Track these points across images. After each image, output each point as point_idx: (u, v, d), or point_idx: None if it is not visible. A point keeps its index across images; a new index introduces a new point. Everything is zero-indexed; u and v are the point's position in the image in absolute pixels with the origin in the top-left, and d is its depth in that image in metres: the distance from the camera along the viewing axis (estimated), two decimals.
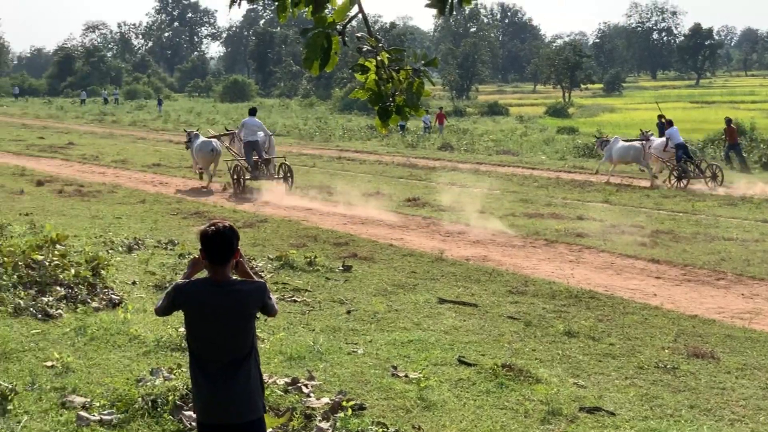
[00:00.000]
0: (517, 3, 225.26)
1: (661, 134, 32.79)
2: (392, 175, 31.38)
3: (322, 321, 11.78)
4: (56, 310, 11.60)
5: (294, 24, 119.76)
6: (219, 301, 5.48)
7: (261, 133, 27.17)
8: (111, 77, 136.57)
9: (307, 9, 4.89)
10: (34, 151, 39.69)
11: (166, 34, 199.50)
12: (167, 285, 12.91)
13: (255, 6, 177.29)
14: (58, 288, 12.39)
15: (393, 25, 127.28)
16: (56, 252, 13.51)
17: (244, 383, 5.54)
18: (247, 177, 26.49)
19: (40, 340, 10.47)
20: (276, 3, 4.96)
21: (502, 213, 22.07)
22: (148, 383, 8.67)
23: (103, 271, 13.44)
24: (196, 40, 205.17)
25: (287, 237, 18.30)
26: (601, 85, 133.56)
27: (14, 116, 71.53)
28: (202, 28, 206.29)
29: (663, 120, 34.96)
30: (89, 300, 12.14)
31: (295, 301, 12.86)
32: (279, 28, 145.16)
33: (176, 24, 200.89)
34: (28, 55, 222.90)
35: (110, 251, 15.79)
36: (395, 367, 9.68)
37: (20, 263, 12.91)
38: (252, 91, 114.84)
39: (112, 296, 12.43)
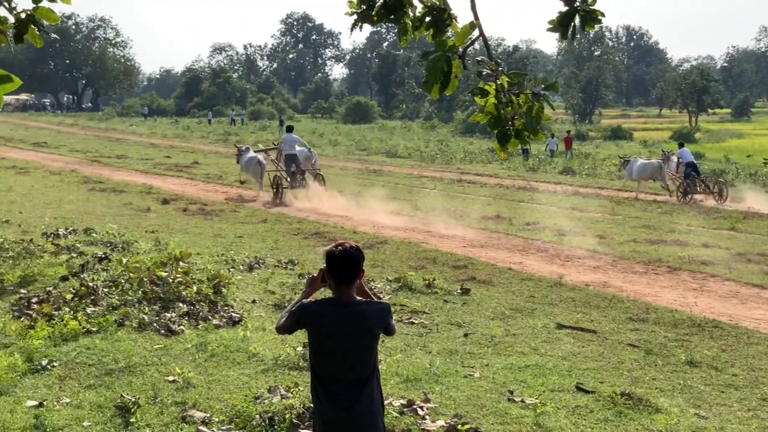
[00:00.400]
0: (643, 26, 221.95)
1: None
2: (512, 199, 31.23)
3: (439, 343, 11.76)
4: (179, 326, 11.84)
5: (417, 46, 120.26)
6: (344, 321, 5.52)
7: (299, 147, 30.98)
8: (236, 98, 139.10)
9: (428, 32, 4.93)
10: (161, 170, 40.63)
11: (291, 56, 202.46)
12: (286, 304, 13.07)
13: (378, 28, 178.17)
14: (181, 304, 12.67)
15: (516, 48, 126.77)
16: (180, 269, 13.84)
17: (368, 403, 5.57)
18: (285, 186, 30.10)
19: (162, 355, 10.70)
20: (398, 26, 5.01)
21: (623, 239, 21.76)
22: (266, 401, 8.79)
23: (224, 289, 13.73)
24: (320, 61, 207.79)
25: (406, 259, 18.35)
26: (729, 110, 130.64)
27: (143, 135, 73.47)
28: (326, 50, 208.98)
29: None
30: (210, 317, 12.36)
31: (412, 323, 12.88)
32: (402, 51, 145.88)
33: (301, 46, 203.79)
34: (158, 76, 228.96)
35: (231, 269, 16.07)
36: (512, 392, 9.61)
37: (145, 279, 13.27)
38: (374, 113, 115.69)
39: (233, 314, 12.64)
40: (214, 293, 13.39)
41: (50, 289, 13.64)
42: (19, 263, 15.49)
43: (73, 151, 52.93)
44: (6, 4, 4.13)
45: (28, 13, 4.22)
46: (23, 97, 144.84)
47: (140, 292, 12.97)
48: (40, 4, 4.22)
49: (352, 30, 5.14)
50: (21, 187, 31.09)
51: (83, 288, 13.10)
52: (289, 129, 31.93)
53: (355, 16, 5.08)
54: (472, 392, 9.62)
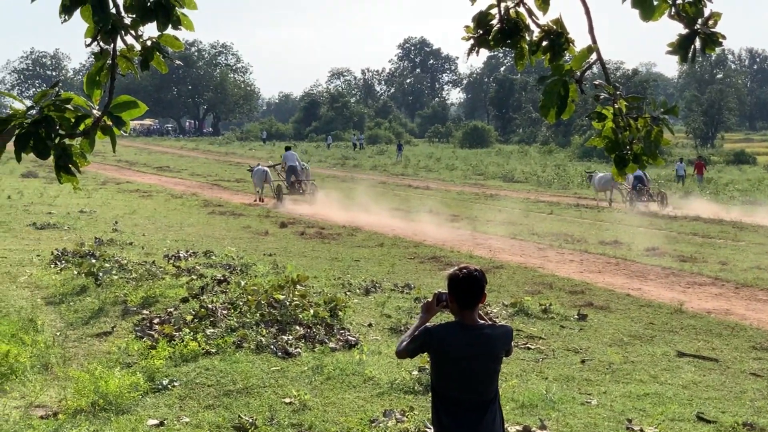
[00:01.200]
0: (767, 49, 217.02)
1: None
2: (631, 224, 30.77)
3: (556, 369, 11.67)
4: (295, 348, 11.99)
5: (534, 70, 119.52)
6: (470, 344, 5.54)
7: (296, 163, 38.73)
8: (354, 122, 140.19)
9: (545, 57, 4.94)
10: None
11: (408, 81, 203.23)
12: (402, 328, 13.16)
13: (495, 53, 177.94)
14: (298, 327, 12.84)
15: (635, 71, 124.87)
16: (297, 292, 14.03)
17: (491, 427, 5.59)
18: (285, 192, 37.27)
19: (279, 377, 10.85)
20: (514, 51, 5.03)
21: (746, 265, 21.24)
22: (381, 424, 8.85)
23: (340, 312, 13.88)
24: (437, 86, 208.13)
25: (522, 284, 18.26)
26: None
27: (261, 159, 74.43)
28: (444, 75, 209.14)
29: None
30: (327, 340, 12.48)
31: (528, 348, 12.81)
32: (519, 75, 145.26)
33: (418, 70, 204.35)
34: (277, 101, 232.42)
35: (348, 293, 16.19)
36: (630, 420, 9.47)
37: (263, 302, 13.50)
38: (491, 138, 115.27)
39: (349, 337, 12.73)
40: (331, 316, 13.54)
41: (171, 310, 13.99)
42: (142, 284, 15.88)
43: (194, 174, 54.06)
44: (133, 32, 4.28)
45: (154, 40, 4.36)
46: (147, 122, 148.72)
47: (258, 314, 13.19)
48: (165, 32, 4.36)
49: (468, 55, 5.17)
50: (144, 210, 31.88)
51: (203, 310, 13.38)
52: (288, 148, 41.28)
53: (471, 41, 5.11)
54: (590, 420, 9.52)
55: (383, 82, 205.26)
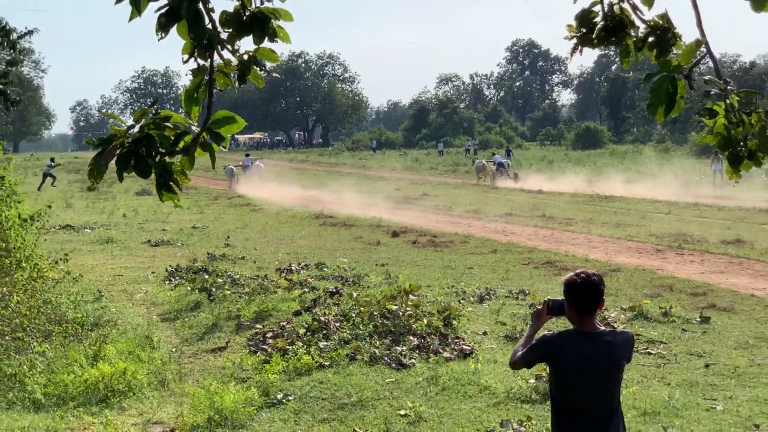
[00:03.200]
0: None
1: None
2: (754, 222, 29.99)
3: (679, 375, 11.41)
4: (409, 359, 11.97)
5: (646, 68, 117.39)
6: (592, 353, 5.44)
7: (249, 163, 58.90)
8: (464, 128, 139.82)
9: (651, 53, 4.81)
10: (390, 203, 41.31)
11: (517, 84, 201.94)
12: (517, 336, 13.05)
13: (606, 51, 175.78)
14: (411, 338, 12.81)
15: (753, 64, 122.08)
16: (409, 302, 14.00)
17: None
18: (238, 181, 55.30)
19: (394, 388, 10.84)
20: (619, 48, 4.91)
21: None
22: None
23: (454, 321, 13.82)
24: (547, 88, 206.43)
25: (641, 287, 17.93)
26: None
27: (371, 169, 74.80)
28: (553, 76, 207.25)
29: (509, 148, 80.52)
30: (441, 350, 12.43)
31: (649, 353, 12.55)
32: (631, 73, 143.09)
33: (527, 73, 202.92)
34: (385, 109, 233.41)
35: (462, 301, 16.12)
36: (758, 426, 9.21)
37: (376, 313, 13.51)
38: (604, 138, 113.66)
39: (464, 346, 12.66)
40: (445, 326, 13.48)
41: (284, 324, 14.10)
42: (254, 299, 16.03)
43: (303, 186, 54.30)
44: (229, 47, 4.30)
45: (251, 54, 4.37)
46: (257, 135, 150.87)
47: (371, 325, 13.21)
48: (262, 45, 4.36)
49: (572, 55, 5.07)
50: (256, 223, 32.23)
51: (315, 323, 13.46)
52: (247, 155, 62.79)
53: (574, 40, 5.01)
54: (715, 426, 9.28)
55: (492, 86, 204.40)
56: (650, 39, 4.80)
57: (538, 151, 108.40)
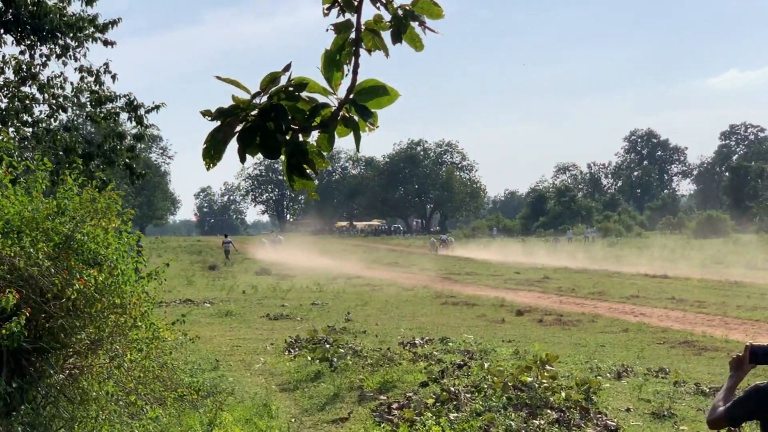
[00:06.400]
0: None
1: None
2: None
3: None
4: None
5: None
6: None
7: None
8: (581, 216, 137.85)
9: None
10: (511, 285, 40.52)
11: (636, 173, 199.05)
12: (665, 414, 11.92)
13: (727, 141, 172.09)
14: (550, 411, 11.68)
15: None
16: (546, 373, 12.89)
17: None
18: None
19: None
20: None
21: None
22: None
23: (594, 396, 12.63)
24: (666, 177, 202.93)
25: None
26: None
27: (493, 254, 73.66)
28: (672, 166, 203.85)
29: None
30: (583, 424, 11.25)
31: None
32: (753, 162, 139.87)
33: (645, 162, 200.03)
34: (502, 198, 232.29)
35: (598, 377, 14.89)
36: None
37: (509, 384, 12.44)
38: (727, 227, 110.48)
39: (608, 422, 11.47)
40: (585, 400, 12.28)
41: (410, 395, 13.16)
42: (378, 370, 15.15)
43: (423, 269, 54.12)
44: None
45: (407, 8, 3.44)
46: (375, 222, 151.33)
47: (504, 397, 12.16)
48: None
49: None
50: (376, 302, 31.51)
51: (444, 393, 12.49)
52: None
53: None
54: None
55: (610, 175, 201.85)
56: None
57: (658, 239, 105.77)
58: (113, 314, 10.37)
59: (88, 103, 19.07)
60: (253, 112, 3.36)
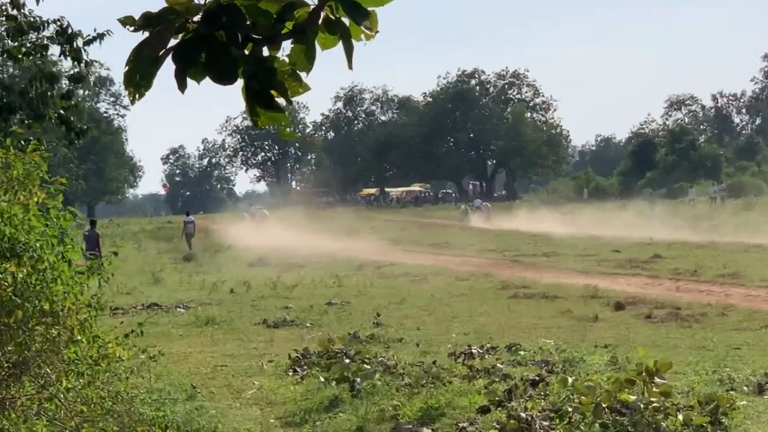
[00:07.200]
0: None
1: None
2: None
3: None
4: None
5: None
6: None
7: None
8: (705, 169, 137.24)
9: None
10: (609, 268, 41.04)
11: None
12: None
13: None
14: None
15: None
16: (655, 389, 12.95)
17: None
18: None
19: None
20: None
21: None
22: None
23: (724, 419, 12.69)
24: None
25: None
26: None
27: (581, 226, 73.28)
28: None
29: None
30: None
31: None
32: None
33: None
34: (593, 147, 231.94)
35: (730, 391, 14.92)
36: None
37: (603, 406, 12.51)
38: None
39: None
40: (712, 424, 12.32)
41: (465, 425, 13.40)
42: (419, 392, 15.33)
43: (483, 250, 54.74)
44: None
45: None
46: (415, 188, 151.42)
47: (597, 424, 12.25)
48: None
49: None
50: (417, 297, 31.93)
51: (512, 422, 12.62)
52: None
53: None
54: None
55: (744, 111, 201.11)
56: None
57: None
58: (40, 325, 10.42)
59: (4, 34, 19.04)
60: (196, 18, 3.25)
